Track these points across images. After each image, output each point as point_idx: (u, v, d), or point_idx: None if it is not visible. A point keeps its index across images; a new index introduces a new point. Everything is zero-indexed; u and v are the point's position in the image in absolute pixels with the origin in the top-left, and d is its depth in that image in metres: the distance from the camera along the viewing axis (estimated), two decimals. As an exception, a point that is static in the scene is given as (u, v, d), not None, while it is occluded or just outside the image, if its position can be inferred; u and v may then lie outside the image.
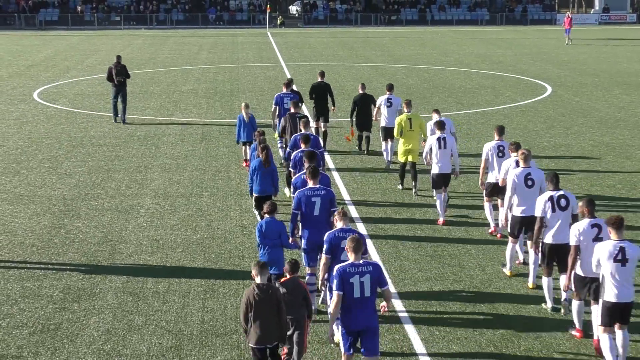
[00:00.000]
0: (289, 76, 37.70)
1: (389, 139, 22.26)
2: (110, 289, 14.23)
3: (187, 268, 15.26)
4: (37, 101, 34.89)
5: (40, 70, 46.25)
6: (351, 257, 10.23)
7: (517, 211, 14.37)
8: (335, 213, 12.00)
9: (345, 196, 19.89)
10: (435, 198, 18.28)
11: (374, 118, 23.53)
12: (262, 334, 10.19)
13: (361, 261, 10.23)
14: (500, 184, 15.67)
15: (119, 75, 29.24)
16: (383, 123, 22.56)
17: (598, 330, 11.35)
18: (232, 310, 13.27)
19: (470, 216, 18.25)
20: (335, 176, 21.71)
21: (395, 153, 22.14)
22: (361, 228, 17.21)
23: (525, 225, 14.31)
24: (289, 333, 10.83)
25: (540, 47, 60.89)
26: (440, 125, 17.97)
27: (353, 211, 18.46)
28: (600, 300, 11.23)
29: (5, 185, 21.09)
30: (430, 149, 17.75)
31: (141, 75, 43.74)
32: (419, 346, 12.01)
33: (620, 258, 10.90)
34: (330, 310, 10.53)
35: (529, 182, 14.25)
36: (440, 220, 17.78)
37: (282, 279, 11.33)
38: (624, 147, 25.37)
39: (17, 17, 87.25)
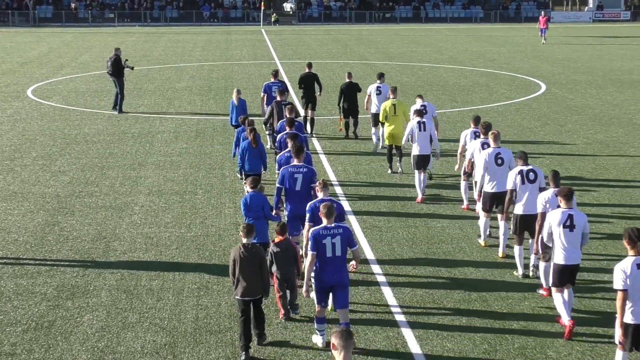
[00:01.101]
0: (281, 71, 37.63)
1: (379, 125, 23.40)
2: (104, 287, 14.22)
3: (181, 265, 15.25)
4: (30, 98, 34.83)
5: (34, 67, 46.16)
6: (324, 222, 11.61)
7: (488, 187, 15.59)
8: (317, 185, 13.31)
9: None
10: (415, 177, 19.49)
11: (365, 106, 24.93)
12: (246, 287, 11.58)
13: (333, 224, 11.59)
14: (467, 165, 17.27)
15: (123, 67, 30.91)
16: (373, 110, 23.92)
17: (552, 290, 12.55)
18: (226, 307, 13.27)
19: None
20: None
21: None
22: (353, 221, 17.26)
23: (496, 200, 15.56)
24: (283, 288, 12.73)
25: (534, 44, 60.94)
26: (420, 112, 19.74)
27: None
28: (552, 264, 12.40)
29: (-1, 183, 21.07)
30: (412, 131, 19.20)
31: (135, 73, 43.66)
32: (413, 344, 12.01)
33: (569, 224, 12.11)
34: (305, 268, 11.80)
35: (499, 161, 15.47)
36: (419, 198, 19.19)
37: (276, 240, 12.69)
38: (617, 144, 25.42)
39: (11, 14, 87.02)
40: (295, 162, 14.62)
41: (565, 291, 12.28)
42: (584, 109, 31.81)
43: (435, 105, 25.57)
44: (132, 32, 74.93)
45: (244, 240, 11.68)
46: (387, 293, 13.82)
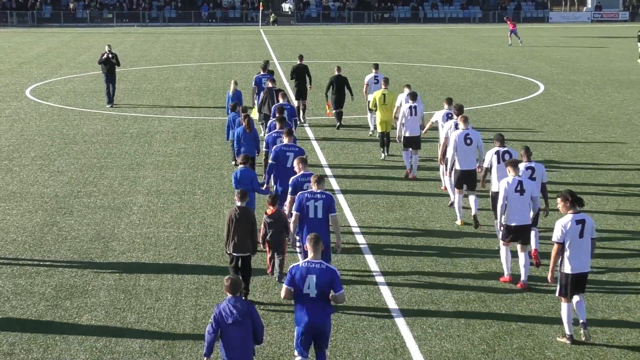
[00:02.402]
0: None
1: (372, 112, 25.11)
2: (102, 287, 14.21)
3: (180, 266, 15.24)
4: (29, 98, 34.81)
5: (33, 68, 46.14)
6: (313, 188, 13.11)
7: (458, 166, 17.24)
8: (295, 162, 14.74)
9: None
10: (404, 160, 21.58)
11: (364, 93, 26.85)
12: (237, 244, 13.19)
13: (318, 191, 12.99)
14: (441, 146, 18.70)
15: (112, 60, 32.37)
16: (370, 98, 25.03)
17: (500, 243, 14.44)
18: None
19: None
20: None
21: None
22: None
23: (465, 178, 17.20)
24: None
25: (532, 45, 60.96)
26: (413, 96, 21.31)
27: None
28: (503, 223, 14.19)
29: (-3, 183, 21.06)
30: (403, 115, 21.01)
31: (133, 73, 43.67)
32: (411, 344, 12.02)
33: (519, 189, 14.03)
34: (290, 227, 13.34)
35: (468, 141, 17.18)
36: (408, 171, 21.31)
37: (269, 212, 14.27)
38: (616, 145, 25.43)
39: (9, 14, 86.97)
40: (285, 141, 16.02)
41: (521, 254, 14.02)
42: (583, 109, 31.82)
43: (434, 106, 25.69)
44: (131, 32, 74.92)
45: (238, 204, 13.36)
46: (386, 293, 13.83)
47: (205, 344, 9.70)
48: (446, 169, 18.21)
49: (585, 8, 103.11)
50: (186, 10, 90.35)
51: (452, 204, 18.10)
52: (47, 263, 15.38)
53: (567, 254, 12.02)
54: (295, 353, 10.50)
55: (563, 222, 12.00)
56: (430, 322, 12.78)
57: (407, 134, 20.99)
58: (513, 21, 62.54)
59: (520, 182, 14.10)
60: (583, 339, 12.04)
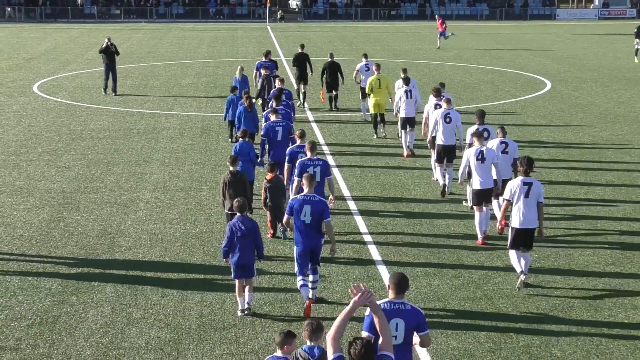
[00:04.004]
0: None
1: (366, 97, 26.78)
2: (108, 282, 14.23)
3: (186, 262, 15.26)
4: (36, 94, 34.87)
5: (40, 63, 46.20)
6: (309, 154, 15.12)
7: (439, 141, 19.36)
8: (297, 134, 16.66)
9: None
10: (400, 137, 23.95)
11: (355, 80, 29.55)
12: (231, 204, 13.97)
13: (315, 157, 15.11)
14: (423, 123, 21.23)
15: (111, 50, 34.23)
16: (363, 84, 27.61)
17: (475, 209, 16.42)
18: (231, 304, 13.28)
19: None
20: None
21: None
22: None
23: (445, 151, 19.23)
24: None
25: (539, 42, 60.84)
26: (406, 80, 23.64)
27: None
28: (470, 188, 16.82)
29: (5, 178, 21.09)
30: (400, 99, 23.13)
31: (141, 69, 43.70)
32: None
33: (480, 157, 16.16)
34: (292, 191, 15.15)
35: (447, 120, 19.31)
36: (405, 153, 23.29)
37: (268, 177, 15.88)
38: (623, 142, 25.37)
39: (18, 10, 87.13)
40: (273, 118, 18.41)
41: (483, 209, 16.15)
42: (590, 107, 31.74)
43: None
44: (138, 29, 74.96)
45: (231, 168, 15.24)
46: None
47: (222, 252, 12.93)
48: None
49: (592, 5, 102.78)
50: (194, 7, 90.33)
51: (436, 179, 20.23)
52: (54, 258, 15.42)
53: (514, 210, 13.89)
54: (297, 272, 13.20)
55: (513, 183, 14.05)
56: (436, 319, 12.77)
57: (403, 116, 23.07)
58: (444, 21, 57.21)
59: (481, 151, 16.22)
60: (517, 284, 13.75)
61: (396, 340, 8.44)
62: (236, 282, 12.91)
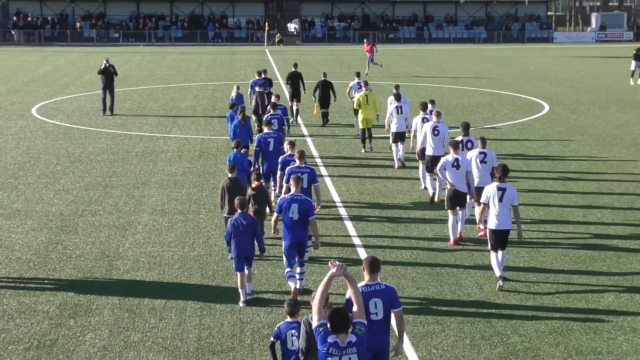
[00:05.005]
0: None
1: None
2: (106, 306, 14.19)
3: (184, 285, 15.23)
4: (35, 117, 34.93)
5: (39, 86, 46.31)
6: (297, 162, 16.52)
7: (429, 152, 20.88)
8: (285, 145, 18.24)
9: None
10: (392, 150, 25.38)
11: (348, 96, 31.40)
12: (230, 208, 15.83)
13: (303, 165, 16.45)
14: (412, 136, 22.40)
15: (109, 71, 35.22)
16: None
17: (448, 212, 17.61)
18: (229, 327, 13.24)
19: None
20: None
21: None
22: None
23: (434, 162, 19.88)
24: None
25: (537, 65, 61.06)
26: (397, 97, 25.01)
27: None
28: (446, 191, 18.06)
29: (3, 201, 21.07)
30: (391, 114, 24.48)
31: (139, 92, 43.81)
32: (416, 364, 11.98)
33: (456, 165, 17.55)
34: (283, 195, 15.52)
35: (436, 132, 20.81)
36: (396, 165, 24.79)
37: (253, 185, 16.74)
38: (621, 165, 25.40)
39: (17, 33, 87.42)
40: (266, 129, 20.13)
41: (459, 213, 17.55)
42: (587, 129, 31.81)
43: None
44: (137, 52, 75.20)
45: (229, 175, 16.53)
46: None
47: (226, 241, 14.66)
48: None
49: (589, 28, 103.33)
50: (192, 30, 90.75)
51: (425, 187, 21.67)
52: (52, 281, 15.38)
53: (491, 214, 15.05)
54: (285, 264, 14.53)
55: (488, 189, 15.24)
56: (435, 342, 12.73)
57: (394, 130, 24.45)
58: (374, 46, 55.21)
59: (457, 159, 17.58)
60: (497, 288, 14.79)
61: (377, 317, 9.93)
62: (238, 275, 14.18)
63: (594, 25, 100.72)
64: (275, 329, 10.36)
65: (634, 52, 49.21)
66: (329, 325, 8.60)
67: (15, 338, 12.89)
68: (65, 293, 14.77)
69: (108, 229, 18.60)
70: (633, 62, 48.50)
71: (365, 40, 60.04)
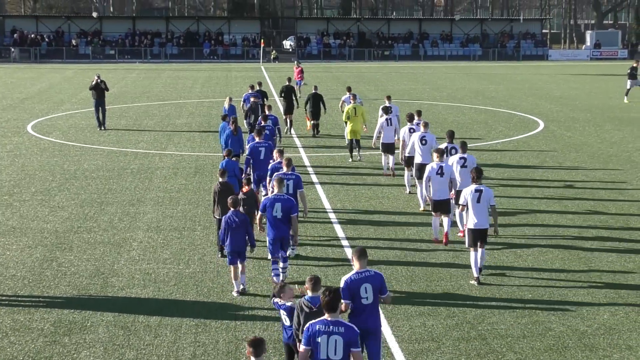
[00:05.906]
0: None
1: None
2: (101, 323, 14.15)
3: (179, 302, 15.19)
4: (30, 134, 34.92)
5: (35, 103, 46.33)
6: (285, 169, 17.51)
7: (418, 160, 21.75)
8: (275, 153, 19.39)
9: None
10: (382, 162, 26.52)
11: (340, 109, 32.07)
12: (223, 210, 16.67)
13: (290, 172, 17.47)
14: (401, 146, 23.30)
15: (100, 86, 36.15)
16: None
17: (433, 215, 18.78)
18: (224, 345, 13.21)
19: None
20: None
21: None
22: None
23: (420, 169, 21.03)
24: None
25: (532, 82, 61.24)
26: (386, 110, 26.15)
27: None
28: (429, 198, 18.75)
29: (-2, 218, 21.04)
30: (381, 126, 25.60)
31: (135, 109, 43.84)
32: (411, 381, 11.95)
33: (440, 172, 18.44)
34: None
35: (423, 142, 21.77)
36: (385, 174, 25.91)
37: (244, 190, 17.41)
38: (616, 182, 25.44)
39: (12, 50, 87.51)
40: (257, 139, 21.08)
41: (444, 219, 18.51)
42: (582, 147, 31.88)
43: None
44: (133, 69, 75.30)
45: (220, 179, 17.72)
46: (386, 331, 13.74)
47: (219, 240, 16.18)
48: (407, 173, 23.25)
49: (584, 46, 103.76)
50: (188, 47, 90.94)
51: (410, 192, 23.18)
52: (46, 299, 15.33)
53: (470, 214, 16.10)
54: (270, 256, 16.07)
55: (466, 191, 16.30)
56: (430, 359, 12.70)
57: (384, 141, 25.65)
58: (302, 71, 50.67)
59: (441, 167, 18.49)
60: (471, 281, 15.97)
61: (367, 301, 10.96)
62: (231, 268, 15.42)
63: (588, 43, 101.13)
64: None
65: (629, 70, 49.38)
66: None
67: (9, 356, 12.84)
68: (60, 310, 14.73)
69: (103, 246, 18.57)
70: (628, 81, 48.66)
71: (295, 64, 53.95)
